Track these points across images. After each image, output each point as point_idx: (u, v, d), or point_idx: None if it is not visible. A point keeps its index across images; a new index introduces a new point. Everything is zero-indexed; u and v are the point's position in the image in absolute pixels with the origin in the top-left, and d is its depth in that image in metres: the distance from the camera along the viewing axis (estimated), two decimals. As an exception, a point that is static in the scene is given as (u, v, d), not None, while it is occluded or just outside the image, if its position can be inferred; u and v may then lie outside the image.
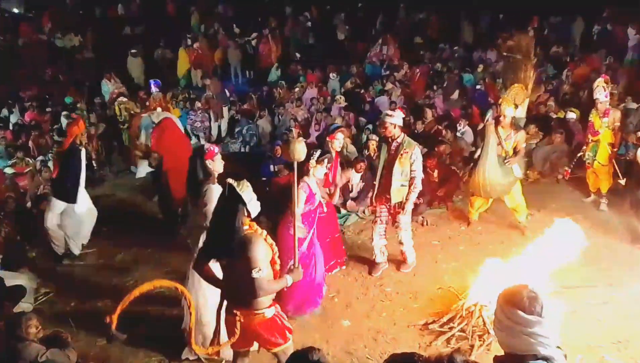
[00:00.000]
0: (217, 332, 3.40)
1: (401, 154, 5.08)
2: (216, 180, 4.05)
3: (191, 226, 5.32)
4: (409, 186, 5.13)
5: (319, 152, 4.77)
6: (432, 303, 4.93)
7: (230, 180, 3.13)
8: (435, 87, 11.11)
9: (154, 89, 8.74)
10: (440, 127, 8.46)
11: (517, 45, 6.12)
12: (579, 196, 7.05)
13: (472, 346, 4.24)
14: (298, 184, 4.62)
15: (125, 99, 9.27)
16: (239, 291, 3.14)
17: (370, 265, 5.61)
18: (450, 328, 4.43)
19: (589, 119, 6.54)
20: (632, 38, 11.02)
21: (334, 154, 5.21)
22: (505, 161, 5.77)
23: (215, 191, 3.85)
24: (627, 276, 5.12)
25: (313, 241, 4.77)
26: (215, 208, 3.27)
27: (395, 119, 5.12)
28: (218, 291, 3.38)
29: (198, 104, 10.66)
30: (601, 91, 6.31)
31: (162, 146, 6.45)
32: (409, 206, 5.24)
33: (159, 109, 7.50)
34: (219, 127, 10.86)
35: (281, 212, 4.82)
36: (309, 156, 4.34)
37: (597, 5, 12.86)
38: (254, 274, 3.00)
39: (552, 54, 12.19)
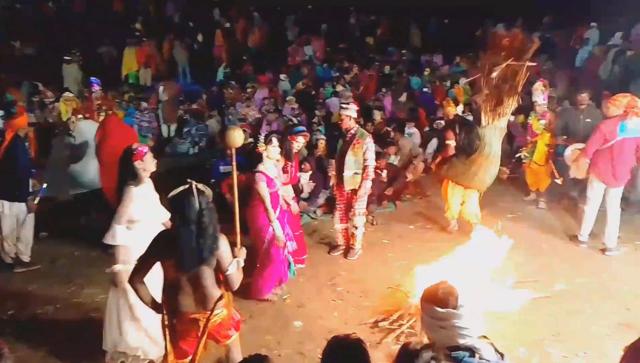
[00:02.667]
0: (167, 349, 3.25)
1: (354, 144, 5.43)
2: (144, 181, 3.85)
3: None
4: (362, 174, 5.45)
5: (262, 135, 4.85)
6: (382, 302, 4.99)
7: (198, 185, 2.95)
8: (384, 89, 11.32)
9: (95, 87, 8.37)
10: (388, 128, 8.62)
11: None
12: (520, 195, 7.38)
13: (421, 342, 4.32)
14: (254, 175, 4.62)
15: (71, 95, 8.82)
16: (201, 295, 3.05)
17: (330, 246, 6.06)
18: (400, 326, 4.50)
19: (528, 121, 6.87)
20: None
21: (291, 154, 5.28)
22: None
23: (134, 194, 3.69)
24: (567, 271, 5.39)
25: (283, 222, 4.91)
26: (186, 215, 2.91)
27: (350, 111, 5.48)
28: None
29: (144, 105, 10.35)
30: (540, 94, 6.64)
31: (106, 147, 6.10)
32: (362, 192, 5.55)
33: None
34: (169, 127, 10.60)
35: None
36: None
37: (538, 13, 13.49)
38: (231, 269, 2.97)
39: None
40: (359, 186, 5.51)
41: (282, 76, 12.33)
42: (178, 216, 2.97)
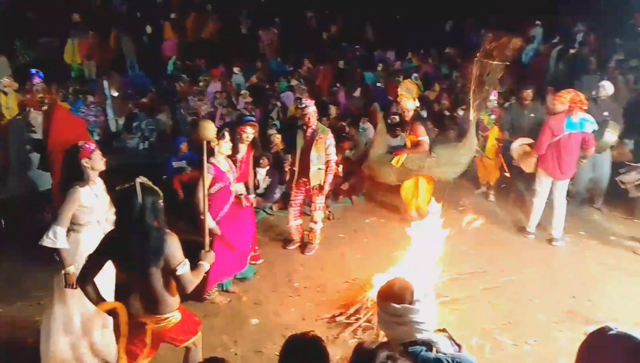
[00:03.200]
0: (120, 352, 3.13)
1: (317, 140, 5.48)
2: (93, 181, 3.64)
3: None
4: (326, 169, 5.57)
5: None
6: (339, 296, 5.01)
7: (140, 178, 2.86)
8: (338, 84, 11.34)
9: (36, 80, 7.91)
10: (343, 123, 8.64)
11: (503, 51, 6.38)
12: (472, 188, 7.58)
13: (377, 335, 4.35)
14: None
15: (7, 80, 8.27)
16: (149, 298, 2.94)
17: (286, 241, 6.08)
18: (357, 320, 4.52)
19: (480, 116, 7.04)
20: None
21: (244, 146, 5.19)
22: (393, 152, 6.23)
23: (80, 195, 3.49)
24: (515, 262, 5.57)
25: (233, 216, 4.84)
26: (126, 213, 2.85)
27: (312, 107, 5.57)
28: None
29: (91, 98, 9.91)
30: (490, 91, 6.82)
31: (55, 140, 5.75)
32: (327, 187, 5.69)
33: None
34: (117, 122, 10.21)
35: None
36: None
37: (486, 11, 13.85)
38: (180, 270, 2.84)
39: (445, 54, 12.95)
40: (324, 181, 5.59)
41: (235, 70, 12.12)
42: (120, 215, 2.88)
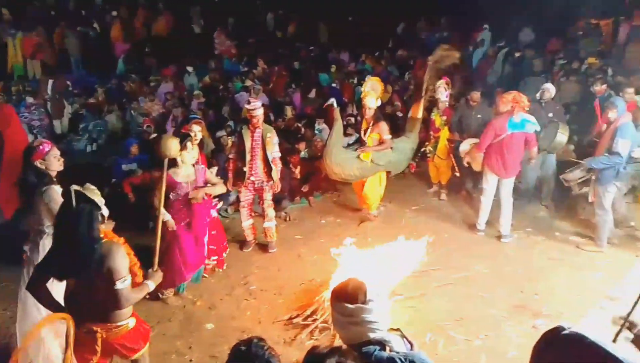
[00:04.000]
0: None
1: (267, 141, 5.57)
2: (54, 181, 3.55)
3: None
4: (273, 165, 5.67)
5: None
6: (296, 298, 5.00)
7: (74, 186, 2.80)
8: (293, 85, 11.32)
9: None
10: (299, 124, 8.64)
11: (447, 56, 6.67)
12: (424, 188, 7.74)
13: (334, 336, 4.37)
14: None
15: None
16: (97, 306, 2.84)
17: (241, 243, 6.09)
18: (314, 321, 4.52)
19: (431, 117, 7.21)
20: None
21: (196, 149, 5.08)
22: (357, 149, 6.33)
23: (57, 192, 3.42)
24: (466, 258, 5.72)
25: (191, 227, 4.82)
26: (59, 221, 2.87)
27: (261, 110, 5.61)
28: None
29: (30, 99, 9.41)
30: (442, 91, 7.00)
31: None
32: (278, 183, 5.79)
33: None
34: (61, 123, 9.80)
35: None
36: None
37: (437, 13, 14.19)
38: (119, 285, 2.75)
39: (397, 56, 13.15)
40: (272, 178, 5.71)
41: (188, 69, 11.89)
42: (56, 224, 2.83)
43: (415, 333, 4.41)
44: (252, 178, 5.68)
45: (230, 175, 5.76)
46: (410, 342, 2.14)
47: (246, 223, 5.94)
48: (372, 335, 1.89)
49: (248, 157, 5.61)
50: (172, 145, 3.33)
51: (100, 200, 2.83)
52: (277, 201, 7.00)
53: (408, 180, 7.97)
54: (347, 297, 1.92)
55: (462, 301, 4.92)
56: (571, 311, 4.70)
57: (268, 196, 5.79)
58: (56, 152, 3.60)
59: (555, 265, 5.57)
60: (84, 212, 2.73)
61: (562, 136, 6.20)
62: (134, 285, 2.95)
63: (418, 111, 6.66)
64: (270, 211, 5.85)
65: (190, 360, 4.19)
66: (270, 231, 5.92)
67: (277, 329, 4.57)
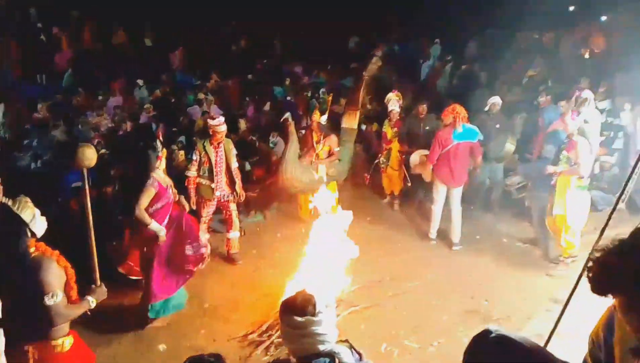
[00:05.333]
0: None
1: (228, 153, 5.73)
2: None
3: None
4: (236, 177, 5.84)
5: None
6: (252, 313, 4.94)
7: (3, 199, 2.71)
8: (247, 98, 11.27)
9: None
10: (253, 138, 8.61)
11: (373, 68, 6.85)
12: (377, 199, 7.86)
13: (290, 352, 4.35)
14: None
15: None
16: (28, 323, 2.72)
17: None
18: (269, 337, 4.49)
19: (383, 129, 7.35)
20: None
21: None
22: (313, 162, 6.46)
23: None
24: (419, 267, 5.84)
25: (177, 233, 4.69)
26: None
27: (224, 126, 5.71)
28: None
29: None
30: (395, 103, 7.17)
31: None
32: (243, 193, 5.94)
33: None
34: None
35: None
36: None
37: (387, 28, 14.50)
38: (47, 301, 2.64)
39: (351, 68, 13.32)
40: (236, 188, 5.83)
41: (139, 82, 11.63)
42: None
43: (371, 344, 4.46)
44: (217, 193, 5.73)
45: (192, 193, 5.69)
46: (358, 353, 2.15)
47: (204, 237, 5.85)
48: (321, 348, 1.91)
49: (215, 172, 5.65)
50: (90, 154, 3.20)
51: (30, 214, 2.72)
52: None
53: (361, 191, 8.07)
54: (296, 310, 1.93)
55: (416, 310, 5.01)
56: (519, 314, 4.87)
57: (233, 207, 5.89)
58: None
59: (504, 269, 5.77)
60: (8, 227, 2.66)
61: (510, 146, 6.47)
62: (73, 300, 2.85)
63: (354, 122, 6.79)
64: (236, 221, 5.95)
65: (142, 383, 4.07)
66: (235, 241, 6.00)
67: (232, 347, 4.50)
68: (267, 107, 10.91)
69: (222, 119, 5.76)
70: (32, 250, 2.70)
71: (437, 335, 4.59)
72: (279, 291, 5.07)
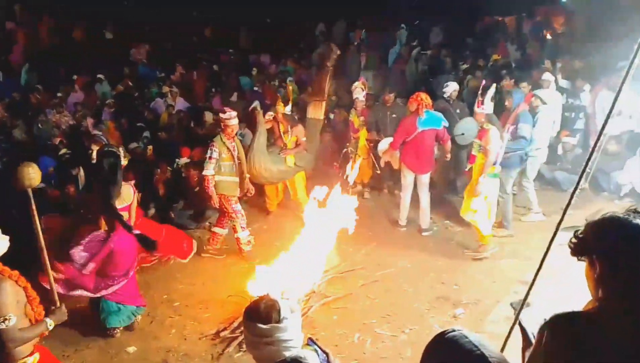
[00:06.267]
0: None
1: (239, 149, 5.76)
2: None
3: None
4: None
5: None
6: (223, 311, 4.89)
7: None
8: (213, 89, 11.08)
9: None
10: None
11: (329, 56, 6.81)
12: (346, 187, 7.82)
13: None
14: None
15: None
16: None
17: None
18: (242, 333, 4.45)
19: (349, 118, 7.33)
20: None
21: None
22: (280, 152, 6.44)
23: None
24: (390, 255, 5.88)
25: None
26: None
27: (236, 120, 5.65)
28: None
29: None
30: (360, 92, 7.16)
31: None
32: (252, 187, 6.01)
33: None
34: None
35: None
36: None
37: (355, 15, 14.39)
38: (0, 325, 2.51)
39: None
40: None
41: (100, 77, 11.29)
42: None
43: (344, 334, 4.48)
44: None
45: (212, 191, 5.59)
46: (325, 352, 2.14)
47: (245, 233, 5.92)
48: (287, 354, 1.87)
49: (236, 166, 5.67)
50: (32, 173, 2.88)
51: None
52: (200, 212, 6.86)
53: (331, 180, 8.02)
54: (260, 317, 1.88)
55: (388, 298, 5.05)
56: (488, 298, 4.96)
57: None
58: None
59: (473, 254, 5.85)
60: None
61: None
62: (35, 322, 2.73)
63: (320, 112, 6.78)
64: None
65: (113, 388, 4.00)
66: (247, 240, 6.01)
67: (204, 345, 4.45)
68: (234, 98, 10.74)
69: (233, 113, 5.64)
70: None
71: (409, 322, 4.64)
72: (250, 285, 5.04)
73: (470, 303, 4.89)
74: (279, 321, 1.88)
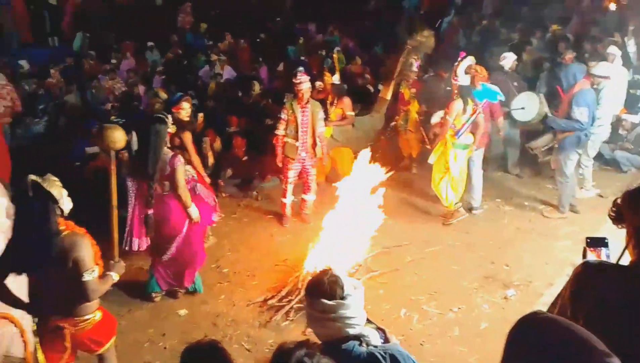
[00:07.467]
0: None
1: (315, 116, 5.70)
2: None
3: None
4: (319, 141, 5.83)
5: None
6: (270, 279, 4.95)
7: (33, 176, 2.66)
8: (260, 59, 11.04)
9: None
10: (269, 100, 8.44)
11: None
12: (394, 161, 7.70)
13: (294, 341, 4.33)
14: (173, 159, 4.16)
15: None
16: (62, 301, 2.75)
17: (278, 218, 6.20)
18: (289, 302, 4.49)
19: (400, 90, 7.14)
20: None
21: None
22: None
23: None
24: (437, 232, 5.78)
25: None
26: (17, 212, 2.79)
27: (307, 84, 5.65)
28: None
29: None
30: (413, 63, 6.93)
31: None
32: (326, 157, 6.07)
33: None
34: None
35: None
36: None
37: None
38: (86, 277, 2.67)
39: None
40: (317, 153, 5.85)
41: (150, 44, 11.44)
42: (14, 216, 2.74)
43: (390, 309, 4.46)
44: (302, 154, 5.73)
45: (278, 151, 5.78)
46: (381, 329, 2.11)
47: (290, 199, 6.00)
48: (350, 331, 1.85)
49: (300, 132, 5.62)
50: (119, 136, 3.10)
51: (60, 192, 2.70)
52: (247, 180, 6.92)
53: (378, 154, 7.89)
54: (324, 293, 1.86)
55: (435, 275, 4.97)
56: (540, 280, 4.81)
57: (313, 171, 5.92)
58: None
59: (525, 234, 5.68)
60: (38, 205, 2.63)
61: (543, 106, 6.24)
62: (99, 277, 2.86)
63: (387, 93, 6.63)
64: (313, 185, 6.01)
65: (165, 348, 4.13)
66: (310, 203, 6.06)
67: (251, 311, 4.53)
68: (280, 67, 10.67)
69: (305, 78, 5.65)
70: (62, 228, 2.69)
71: (457, 301, 4.56)
72: (295, 257, 5.08)
73: (522, 285, 4.76)
74: (343, 297, 1.85)
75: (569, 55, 7.32)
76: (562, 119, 5.64)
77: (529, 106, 6.14)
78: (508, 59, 6.82)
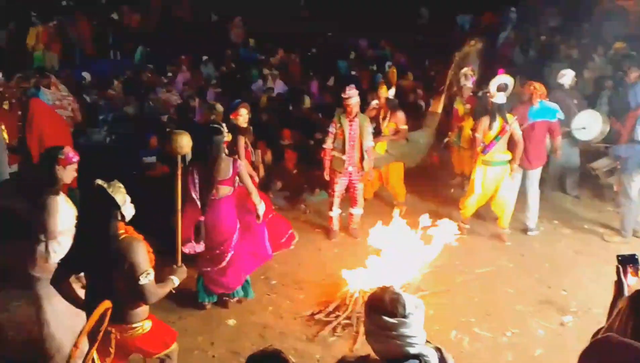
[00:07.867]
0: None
1: (364, 130, 5.72)
2: (60, 190, 3.48)
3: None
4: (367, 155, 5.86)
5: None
6: (317, 293, 4.93)
7: (99, 181, 2.79)
8: (311, 73, 11.16)
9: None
10: (319, 114, 8.50)
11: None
12: (447, 179, 7.57)
13: (357, 332, 4.31)
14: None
15: None
16: (114, 305, 2.83)
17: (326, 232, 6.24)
18: (336, 317, 4.46)
19: (454, 106, 7.03)
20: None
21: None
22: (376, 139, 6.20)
23: (58, 203, 3.38)
24: (491, 252, 5.62)
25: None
26: (81, 214, 2.96)
27: (356, 98, 5.66)
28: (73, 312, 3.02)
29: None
30: (468, 78, 6.82)
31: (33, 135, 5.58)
32: (372, 172, 6.03)
33: None
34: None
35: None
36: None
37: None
38: (142, 280, 2.73)
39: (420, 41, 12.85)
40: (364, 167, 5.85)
41: (204, 58, 11.79)
42: (79, 220, 2.92)
43: (440, 330, 4.35)
44: (350, 168, 5.77)
45: (326, 164, 5.87)
46: (437, 348, 2.06)
47: (336, 212, 6.05)
48: (411, 350, 1.81)
49: (347, 146, 5.67)
50: (184, 141, 3.24)
51: (123, 198, 2.80)
52: (296, 193, 6.97)
53: (430, 171, 7.81)
54: (386, 310, 1.82)
55: (487, 297, 4.82)
56: (599, 307, 4.53)
57: (360, 186, 5.95)
58: (75, 166, 3.54)
59: (583, 258, 5.45)
60: (101, 209, 2.74)
61: (606, 125, 6.01)
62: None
63: (438, 106, 6.55)
64: (360, 199, 6.02)
65: (213, 356, 4.18)
66: (357, 217, 6.07)
67: (299, 325, 4.53)
68: (331, 82, 10.75)
69: (353, 92, 5.66)
70: (121, 231, 2.78)
71: (510, 325, 4.40)
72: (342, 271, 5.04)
73: (580, 311, 4.54)
74: (404, 316, 1.81)
75: (634, 73, 6.99)
76: (628, 145, 5.40)
77: (590, 124, 5.90)
78: (567, 76, 6.59)
